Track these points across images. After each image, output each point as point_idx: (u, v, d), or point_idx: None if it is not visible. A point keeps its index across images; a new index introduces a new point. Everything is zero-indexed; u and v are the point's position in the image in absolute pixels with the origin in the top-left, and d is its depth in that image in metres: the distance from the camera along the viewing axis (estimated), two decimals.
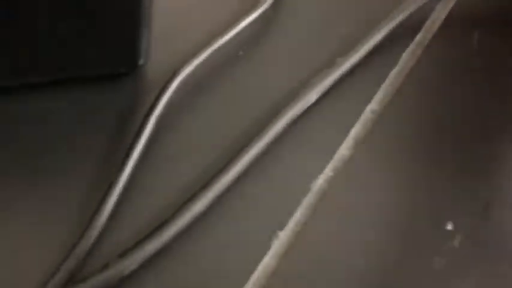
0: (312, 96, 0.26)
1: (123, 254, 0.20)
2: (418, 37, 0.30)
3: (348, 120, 0.26)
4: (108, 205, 0.21)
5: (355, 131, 0.26)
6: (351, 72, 0.27)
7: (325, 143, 0.25)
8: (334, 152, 0.25)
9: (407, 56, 0.29)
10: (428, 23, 0.30)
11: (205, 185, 0.22)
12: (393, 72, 0.28)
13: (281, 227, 0.23)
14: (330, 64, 0.27)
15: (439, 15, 0.31)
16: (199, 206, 0.22)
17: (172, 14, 0.28)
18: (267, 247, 0.22)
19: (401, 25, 0.29)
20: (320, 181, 0.24)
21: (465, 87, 0.28)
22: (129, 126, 0.24)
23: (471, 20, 0.31)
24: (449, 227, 0.24)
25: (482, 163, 0.26)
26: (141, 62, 0.23)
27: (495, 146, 0.26)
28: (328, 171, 0.25)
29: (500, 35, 0.30)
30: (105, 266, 0.20)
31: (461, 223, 0.24)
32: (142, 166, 0.23)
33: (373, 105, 0.27)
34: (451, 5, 0.31)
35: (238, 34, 0.27)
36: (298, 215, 0.23)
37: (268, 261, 0.22)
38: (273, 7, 0.29)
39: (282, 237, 0.23)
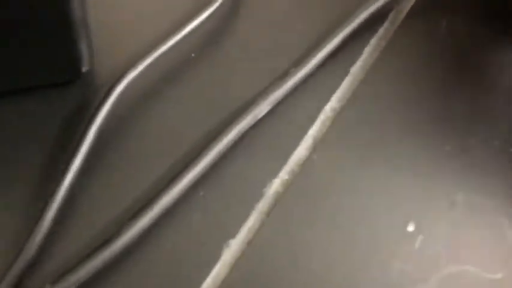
0: (270, 99, 0.25)
1: (58, 279, 0.20)
2: (382, 30, 0.29)
3: (306, 120, 0.26)
4: (45, 222, 0.20)
5: (313, 131, 0.26)
6: (312, 71, 0.27)
7: (281, 145, 0.25)
8: (290, 154, 0.25)
9: (370, 50, 0.28)
10: (392, 14, 0.30)
11: (154, 196, 0.22)
12: (355, 68, 0.28)
13: (233, 235, 0.22)
14: (290, 65, 0.27)
15: (403, 6, 0.30)
16: (145, 220, 0.21)
17: (122, 15, 0.28)
18: (218, 257, 0.22)
19: (365, 19, 0.29)
20: (275, 185, 0.24)
21: (431, 81, 0.28)
22: (74, 134, 0.23)
23: (437, 10, 0.30)
24: (411, 228, 0.23)
25: (446, 160, 0.25)
26: (84, 68, 0.23)
27: (461, 142, 0.26)
28: (283, 174, 0.24)
29: (468, 25, 0.30)
30: None
31: (424, 223, 0.23)
32: (85, 177, 0.23)
33: (333, 103, 0.26)
34: None
35: (189, 35, 0.26)
36: (251, 221, 0.23)
37: (218, 271, 0.22)
38: (229, 6, 0.29)
39: (234, 246, 0.22)
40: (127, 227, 0.21)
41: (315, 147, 0.25)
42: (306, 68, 0.26)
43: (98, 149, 0.23)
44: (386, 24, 0.29)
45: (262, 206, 0.23)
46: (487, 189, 0.24)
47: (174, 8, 0.28)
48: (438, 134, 0.26)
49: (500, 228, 0.23)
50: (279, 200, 0.24)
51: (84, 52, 0.22)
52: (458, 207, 0.24)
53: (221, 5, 0.27)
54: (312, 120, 0.26)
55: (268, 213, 0.23)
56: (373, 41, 0.29)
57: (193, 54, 0.27)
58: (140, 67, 0.23)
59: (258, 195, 0.23)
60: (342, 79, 0.27)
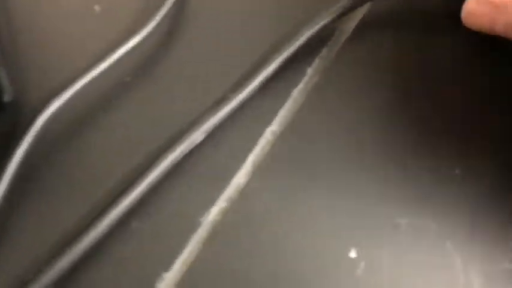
0: (206, 126, 0.25)
1: None
2: (325, 50, 0.29)
3: (246, 145, 0.25)
4: None
5: (253, 156, 0.25)
6: (251, 95, 0.27)
7: (219, 171, 0.25)
8: (229, 180, 0.24)
9: (313, 71, 0.28)
10: (336, 34, 0.30)
11: (80, 231, 0.22)
12: (297, 90, 0.28)
13: (167, 268, 0.22)
14: (229, 88, 0.27)
15: (347, 25, 0.30)
16: (69, 258, 0.21)
17: (51, 39, 0.27)
18: None
19: (306, 41, 0.29)
20: (212, 214, 0.23)
21: (375, 102, 0.28)
22: None
23: (383, 29, 0.30)
24: (353, 254, 0.23)
25: (390, 183, 0.25)
26: (6, 98, 0.22)
27: (405, 165, 0.26)
28: (221, 202, 0.24)
29: (415, 44, 0.30)
30: None
31: (366, 249, 0.23)
32: (8, 214, 0.22)
33: (273, 127, 0.26)
34: (358, 17, 0.30)
35: (122, 58, 0.26)
36: (187, 253, 0.22)
37: None
38: (165, 27, 0.28)
39: (168, 280, 0.22)
40: (47, 269, 0.20)
41: (255, 172, 0.25)
42: (244, 92, 0.26)
43: (22, 181, 0.23)
44: (329, 45, 0.29)
45: (198, 236, 0.23)
46: (431, 213, 0.24)
47: (109, 29, 0.28)
48: (381, 157, 0.26)
49: (446, 255, 0.23)
50: (216, 229, 0.23)
51: (4, 82, 0.22)
52: (402, 232, 0.24)
53: (156, 26, 0.27)
54: (251, 145, 0.25)
55: (205, 244, 0.23)
56: (316, 62, 0.29)
57: (127, 78, 0.27)
58: (66, 95, 0.23)
59: (195, 225, 0.23)
60: (284, 102, 0.27)
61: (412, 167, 0.25)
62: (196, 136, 0.24)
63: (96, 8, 0.28)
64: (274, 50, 0.28)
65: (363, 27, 0.30)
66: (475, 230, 0.24)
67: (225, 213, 0.23)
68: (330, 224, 0.24)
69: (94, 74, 0.24)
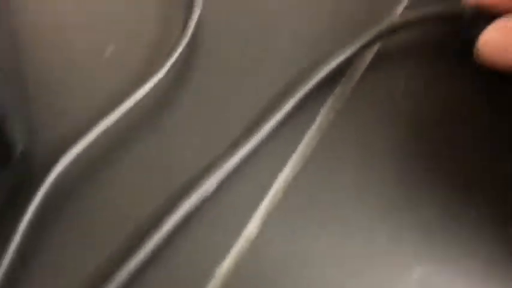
0: (218, 174, 0.25)
1: None
2: (338, 89, 0.29)
3: (258, 193, 0.26)
4: None
5: (265, 204, 0.25)
6: (263, 140, 0.27)
7: (232, 220, 0.25)
8: (241, 230, 0.25)
9: (326, 112, 0.28)
10: (348, 72, 0.30)
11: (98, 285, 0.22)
12: (309, 133, 0.28)
13: None
14: (241, 133, 0.27)
15: (360, 63, 0.30)
16: None
17: (62, 84, 0.28)
18: None
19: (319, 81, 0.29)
20: (224, 266, 0.24)
21: (388, 144, 0.28)
22: (6, 221, 0.23)
23: (396, 68, 0.30)
24: None
25: (405, 230, 0.25)
26: (19, 149, 0.23)
27: (420, 210, 0.26)
28: (234, 251, 0.24)
29: (428, 83, 0.30)
30: None
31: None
32: (21, 267, 0.22)
33: (286, 172, 0.26)
34: (372, 54, 0.30)
35: (137, 103, 0.26)
36: None
37: None
38: (177, 71, 0.29)
39: None
40: None
41: (267, 221, 0.25)
42: (255, 138, 0.26)
43: (34, 235, 0.23)
44: (342, 83, 0.30)
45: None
46: (448, 262, 0.24)
47: (120, 73, 0.28)
48: (397, 201, 0.26)
49: None
50: (228, 282, 0.23)
51: (16, 132, 0.22)
52: (414, 279, 0.24)
53: (167, 72, 0.27)
54: (263, 192, 0.26)
55: None
56: (329, 102, 0.29)
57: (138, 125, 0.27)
58: (78, 148, 0.23)
59: (206, 278, 0.23)
60: (296, 145, 0.27)
61: (428, 211, 0.25)
62: (210, 184, 0.25)
63: (107, 52, 0.29)
64: (287, 91, 0.28)
65: (375, 65, 0.30)
66: (488, 276, 0.24)
67: (239, 263, 0.24)
68: (343, 272, 0.24)
69: (102, 128, 0.24)
